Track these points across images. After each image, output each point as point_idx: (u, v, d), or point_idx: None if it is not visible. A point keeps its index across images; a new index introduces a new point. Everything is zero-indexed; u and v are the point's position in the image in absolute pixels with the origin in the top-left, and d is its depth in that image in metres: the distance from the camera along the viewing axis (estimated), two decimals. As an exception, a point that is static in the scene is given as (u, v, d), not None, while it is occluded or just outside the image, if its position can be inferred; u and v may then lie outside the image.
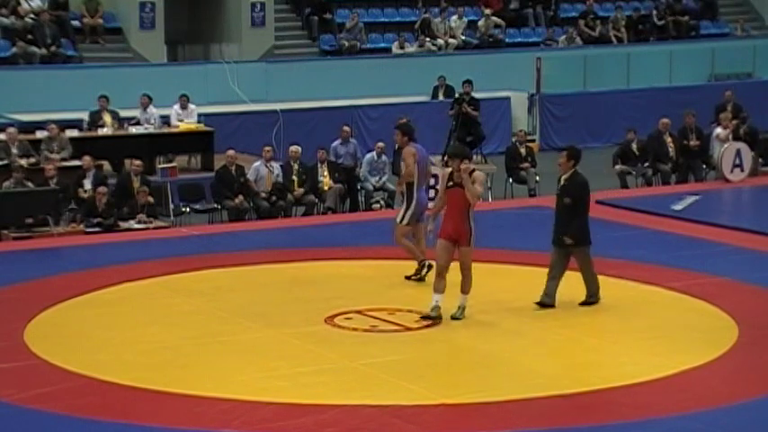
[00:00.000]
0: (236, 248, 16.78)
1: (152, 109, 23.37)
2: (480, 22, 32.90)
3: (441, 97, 27.87)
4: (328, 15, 31.96)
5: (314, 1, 31.98)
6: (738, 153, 21.90)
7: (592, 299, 13.68)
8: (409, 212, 14.70)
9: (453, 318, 13.06)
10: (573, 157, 13.57)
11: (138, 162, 19.88)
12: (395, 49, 31.08)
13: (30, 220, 18.19)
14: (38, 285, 14.70)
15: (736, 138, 22.70)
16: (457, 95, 25.38)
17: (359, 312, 13.40)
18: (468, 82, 24.77)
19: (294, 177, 20.59)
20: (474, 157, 23.03)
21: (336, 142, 21.86)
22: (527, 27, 34.01)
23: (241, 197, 20.06)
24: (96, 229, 18.46)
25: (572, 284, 14.38)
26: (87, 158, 19.93)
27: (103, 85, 24.39)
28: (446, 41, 32.10)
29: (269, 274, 15.23)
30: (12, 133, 20.91)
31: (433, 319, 12.99)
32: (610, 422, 10.27)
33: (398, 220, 14.80)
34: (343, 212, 21.11)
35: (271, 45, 30.68)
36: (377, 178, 21.48)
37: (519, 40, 33.41)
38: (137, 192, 19.24)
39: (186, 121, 23.42)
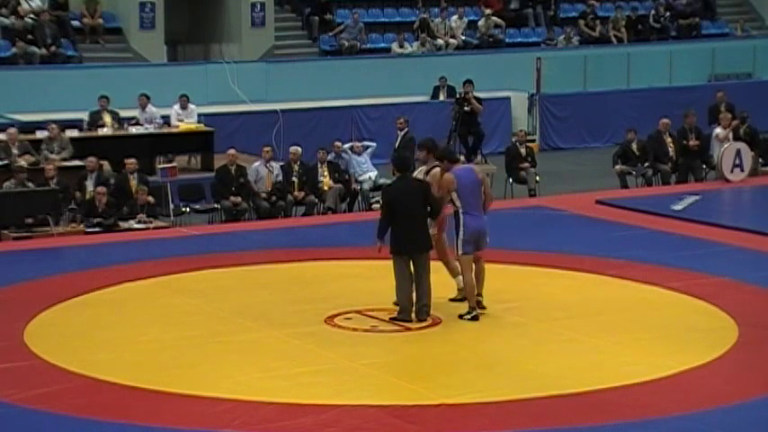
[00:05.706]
0: (236, 248, 16.77)
1: (151, 108, 23.36)
2: (480, 22, 32.89)
3: (442, 98, 27.83)
4: (328, 15, 31.96)
5: (314, 1, 31.99)
6: (738, 153, 21.88)
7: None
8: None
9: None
10: (395, 166, 13.27)
11: (131, 160, 19.82)
12: (395, 48, 31.07)
13: (30, 220, 18.19)
14: (38, 285, 14.69)
15: (737, 138, 22.69)
16: (457, 96, 25.35)
17: (359, 312, 13.39)
18: (469, 82, 24.73)
19: (294, 179, 20.57)
20: (475, 156, 23.08)
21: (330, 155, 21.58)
22: (527, 27, 33.99)
23: (238, 198, 19.98)
24: (96, 229, 18.46)
25: (567, 285, 14.41)
26: (93, 160, 19.90)
27: (103, 85, 24.40)
28: (446, 41, 32.09)
29: (269, 274, 15.23)
30: (12, 133, 20.90)
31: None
32: (610, 422, 10.26)
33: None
34: (343, 212, 21.10)
35: (271, 45, 30.68)
36: (369, 174, 21.43)
37: (519, 40, 33.41)
38: (135, 191, 19.26)
39: (186, 122, 23.42)
